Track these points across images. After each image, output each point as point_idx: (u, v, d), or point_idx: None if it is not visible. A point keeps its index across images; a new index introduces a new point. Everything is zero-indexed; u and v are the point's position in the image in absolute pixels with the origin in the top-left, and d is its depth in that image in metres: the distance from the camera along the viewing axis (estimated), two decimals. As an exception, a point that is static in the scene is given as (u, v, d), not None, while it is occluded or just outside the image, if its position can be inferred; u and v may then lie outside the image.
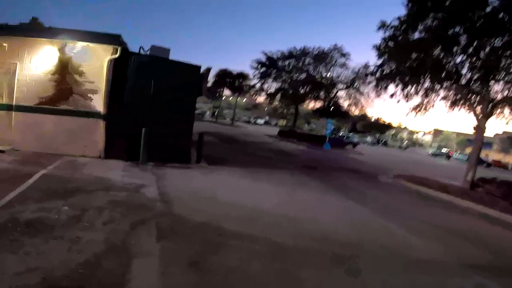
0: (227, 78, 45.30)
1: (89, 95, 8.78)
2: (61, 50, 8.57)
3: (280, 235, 5.17)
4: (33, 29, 8.57)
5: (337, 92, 32.06)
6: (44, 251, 3.53)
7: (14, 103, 8.58)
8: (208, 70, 9.90)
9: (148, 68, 9.16)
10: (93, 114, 8.85)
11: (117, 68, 8.86)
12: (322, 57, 29.69)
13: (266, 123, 70.10)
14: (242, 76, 41.42)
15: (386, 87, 14.43)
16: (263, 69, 34.06)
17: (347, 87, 30.80)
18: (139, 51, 9.65)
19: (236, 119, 72.86)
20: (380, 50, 13.44)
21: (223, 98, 58.76)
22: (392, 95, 14.09)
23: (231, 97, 65.94)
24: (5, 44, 8.39)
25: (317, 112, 34.68)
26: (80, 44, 8.63)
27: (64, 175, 6.98)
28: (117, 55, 8.71)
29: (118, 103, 8.99)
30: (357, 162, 17.96)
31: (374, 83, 15.54)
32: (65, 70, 8.65)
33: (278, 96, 35.14)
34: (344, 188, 9.74)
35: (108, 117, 8.94)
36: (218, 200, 6.66)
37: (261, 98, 43.43)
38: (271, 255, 4.41)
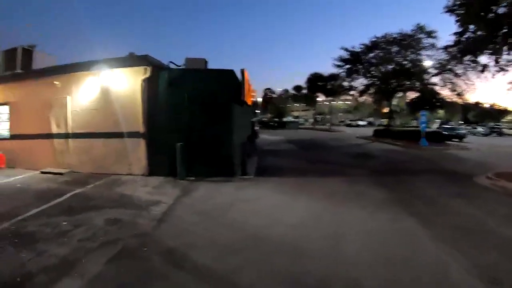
0: (318, 82, 42.68)
1: (129, 116, 8.76)
2: (99, 79, 8.86)
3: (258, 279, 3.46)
4: (76, 65, 9.03)
5: (430, 78, 25.87)
6: (6, 258, 3.90)
7: (70, 131, 9.15)
8: (242, 72, 8.77)
9: (180, 82, 8.72)
10: (134, 134, 8.79)
11: (150, 87, 8.68)
12: (407, 41, 24.99)
13: (369, 124, 64.25)
14: (334, 77, 36.54)
15: (475, 60, 10.75)
16: (347, 66, 29.75)
17: (441, 72, 24.89)
18: (168, 66, 9.32)
19: (338, 123, 69.85)
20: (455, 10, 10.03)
21: (321, 103, 56.05)
22: (483, 69, 10.41)
23: (332, 101, 63.62)
24: (57, 83, 9.12)
25: (411, 105, 29.57)
26: (113, 71, 8.79)
27: (92, 194, 7.10)
28: (147, 75, 8.56)
29: (155, 120, 8.75)
30: (455, 159, 13.78)
31: (459, 57, 11.82)
32: (105, 97, 8.91)
33: (369, 92, 30.46)
34: (413, 199, 6.82)
35: (147, 135, 8.78)
36: (223, 223, 5.26)
37: (351, 97, 39.38)
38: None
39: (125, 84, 8.78)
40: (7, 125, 10.05)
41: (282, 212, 5.85)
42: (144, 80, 8.61)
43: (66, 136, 9.21)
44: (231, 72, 8.76)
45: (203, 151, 8.70)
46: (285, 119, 54.35)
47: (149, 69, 8.57)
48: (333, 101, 51.74)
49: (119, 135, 8.84)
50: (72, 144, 9.21)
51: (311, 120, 57.26)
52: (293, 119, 59.49)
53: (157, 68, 8.70)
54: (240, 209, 6.04)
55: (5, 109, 9.92)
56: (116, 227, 4.98)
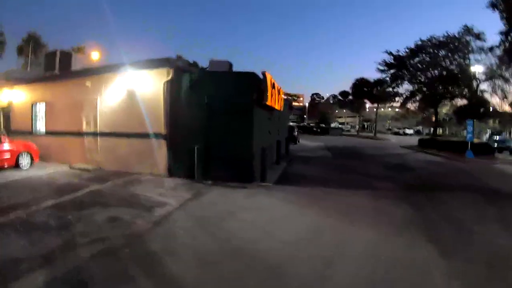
0: (364, 88, 41.06)
1: (151, 117, 8.76)
2: (125, 81, 8.97)
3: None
4: (104, 67, 9.28)
5: (478, 84, 23.57)
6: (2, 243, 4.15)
7: (98, 130, 9.38)
8: (264, 75, 8.33)
9: (200, 84, 8.54)
10: (156, 135, 8.80)
11: (172, 89, 8.63)
12: (454, 45, 22.75)
13: (417, 132, 60.35)
14: (380, 83, 34.83)
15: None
16: (392, 70, 28.25)
17: (491, 77, 22.23)
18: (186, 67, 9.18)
19: (385, 131, 66.70)
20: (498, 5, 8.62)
21: (368, 110, 53.72)
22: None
23: (379, 108, 61.00)
24: (88, 84, 9.40)
25: (458, 113, 26.98)
26: (138, 73, 8.85)
27: (107, 191, 7.25)
28: (169, 77, 8.50)
29: (176, 122, 8.67)
30: (501, 176, 12.02)
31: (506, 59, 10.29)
32: (130, 98, 9.04)
33: (414, 99, 28.69)
34: (440, 222, 5.77)
35: (169, 137, 8.74)
36: (213, 232, 4.89)
37: (396, 104, 37.18)
38: None
39: (148, 86, 8.81)
40: (43, 122, 10.64)
41: (281, 225, 5.30)
42: (166, 83, 8.57)
43: (95, 134, 9.49)
44: (252, 75, 8.37)
45: (222, 155, 8.41)
46: (329, 125, 52.96)
47: (171, 71, 8.51)
48: (380, 108, 49.30)
49: (142, 135, 8.89)
50: (100, 143, 9.46)
51: (358, 127, 55.07)
52: (336, 126, 57.86)
53: (179, 71, 8.60)
54: (239, 218, 5.64)
55: (42, 107, 10.52)
56: (112, 225, 4.98)
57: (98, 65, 9.70)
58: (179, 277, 3.45)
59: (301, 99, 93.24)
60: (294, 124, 36.42)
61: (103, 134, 9.39)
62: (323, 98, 72.74)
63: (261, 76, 8.62)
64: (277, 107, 10.31)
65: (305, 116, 69.99)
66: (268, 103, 8.77)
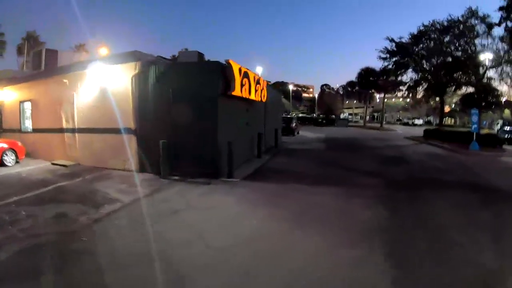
0: (370, 77, 38.94)
1: (122, 112, 8.57)
2: (98, 77, 8.80)
3: None
4: (78, 64, 9.14)
5: (485, 72, 21.06)
6: None
7: (76, 126, 9.37)
8: (228, 63, 7.74)
9: (166, 77, 8.17)
10: (127, 131, 8.61)
11: (140, 83, 8.36)
12: (458, 29, 20.59)
13: (426, 123, 57.01)
14: (386, 72, 32.10)
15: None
16: (394, 58, 26.19)
17: (498, 64, 19.85)
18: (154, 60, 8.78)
19: (394, 122, 63.68)
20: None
21: (379, 100, 51.45)
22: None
23: (390, 98, 57.95)
24: (65, 81, 9.36)
25: (463, 102, 24.59)
26: (109, 68, 8.64)
27: (72, 187, 7.26)
28: (137, 71, 8.20)
29: (144, 117, 8.42)
30: (505, 171, 10.38)
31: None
32: (102, 94, 8.89)
33: (419, 88, 26.56)
34: (416, 229, 4.76)
35: (138, 132, 8.51)
36: (146, 233, 4.54)
37: (400, 94, 34.76)
38: None
39: (119, 81, 8.61)
40: (30, 120, 10.82)
41: (222, 228, 4.80)
42: (133, 77, 8.30)
43: (73, 131, 9.52)
44: (215, 64, 7.88)
45: (188, 150, 8.08)
46: (335, 116, 51.24)
47: (138, 65, 8.22)
48: (390, 98, 46.77)
49: (114, 131, 8.75)
50: (78, 139, 9.49)
51: (365, 118, 52.80)
52: (343, 117, 55.90)
53: (146, 64, 8.28)
54: (181, 219, 5.23)
55: (29, 105, 10.71)
56: (56, 222, 4.96)
57: (74, 62, 9.57)
58: (82, 278, 3.30)
59: (311, 90, 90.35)
60: (294, 115, 35.12)
61: (80, 130, 9.39)
62: (333, 89, 70.01)
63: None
64: (254, 97, 9.73)
65: (315, 107, 68.17)
66: (237, 93, 8.22)
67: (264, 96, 11.08)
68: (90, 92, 9.11)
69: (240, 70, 8.33)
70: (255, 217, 5.25)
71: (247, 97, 9.13)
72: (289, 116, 26.20)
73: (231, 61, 7.84)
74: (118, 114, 8.58)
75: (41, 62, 10.67)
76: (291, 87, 63.29)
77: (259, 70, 40.60)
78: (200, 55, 8.95)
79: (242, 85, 8.53)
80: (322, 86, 72.90)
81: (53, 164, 9.53)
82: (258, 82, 10.23)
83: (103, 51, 19.69)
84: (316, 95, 74.23)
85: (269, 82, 65.92)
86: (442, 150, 15.58)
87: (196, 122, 7.94)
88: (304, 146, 16.31)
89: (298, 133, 24.16)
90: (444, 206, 6.08)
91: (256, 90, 10.02)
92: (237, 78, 8.16)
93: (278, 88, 60.79)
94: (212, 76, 7.92)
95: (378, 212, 5.58)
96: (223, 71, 7.97)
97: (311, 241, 4.24)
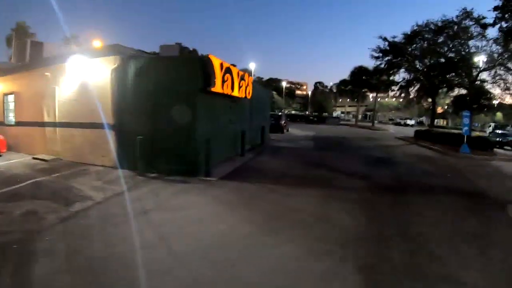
0: (363, 76, 38.27)
1: (101, 107, 8.37)
2: (78, 70, 8.59)
3: None
4: (59, 57, 8.93)
5: (478, 74, 20.68)
6: None
7: (57, 120, 9.19)
8: (208, 58, 7.48)
9: (146, 71, 7.96)
10: (105, 126, 8.42)
11: (119, 77, 8.16)
12: (452, 30, 20.21)
13: (419, 123, 56.68)
14: (379, 71, 31.50)
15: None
16: (387, 57, 25.55)
17: (492, 66, 19.45)
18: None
19: (386, 121, 63.28)
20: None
21: (372, 99, 51.05)
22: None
23: (383, 98, 57.19)
24: (47, 74, 9.17)
25: (455, 104, 24.15)
26: (90, 61, 8.43)
27: (47, 183, 7.12)
28: (115, 65, 7.99)
29: (123, 112, 8.24)
30: (494, 175, 9.93)
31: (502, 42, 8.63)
32: (82, 88, 8.73)
33: (411, 88, 26.02)
34: (394, 239, 4.45)
35: (117, 127, 8.32)
36: (107, 233, 4.46)
37: (391, 93, 34.41)
38: None
39: (99, 75, 8.41)
40: (13, 113, 10.62)
41: (187, 231, 4.60)
42: (113, 70, 8.08)
43: (54, 125, 9.35)
44: (195, 59, 7.68)
45: (166, 146, 7.91)
46: (327, 114, 50.98)
47: (118, 58, 8.00)
48: (382, 97, 46.31)
49: (94, 125, 8.60)
50: (59, 133, 9.34)
51: (357, 117, 52.50)
52: (334, 115, 55.76)
53: (126, 58, 8.06)
54: (148, 219, 5.04)
55: (12, 98, 10.51)
56: (24, 219, 4.87)
57: (56, 55, 9.36)
58: (33, 281, 3.19)
59: (305, 87, 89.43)
60: (287, 112, 34.93)
61: (61, 124, 9.23)
62: (326, 87, 69.42)
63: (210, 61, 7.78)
64: (238, 94, 9.49)
65: (308, 105, 67.83)
66: (218, 89, 7.99)
67: (249, 93, 10.82)
68: (71, 86, 8.92)
69: (221, 65, 8.09)
70: (224, 221, 5.04)
71: (230, 93, 8.89)
72: (279, 113, 25.88)
73: (211, 56, 7.59)
74: (98, 108, 8.38)
75: (26, 54, 10.47)
76: (284, 84, 62.84)
77: (252, 66, 40.44)
78: (182, 49, 8.72)
79: (223, 81, 8.29)
80: (315, 83, 72.36)
81: (34, 158, 9.38)
82: (242, 78, 9.98)
83: (97, 43, 19.39)
84: (310, 93, 73.84)
85: (262, 78, 65.88)
86: (432, 152, 15.29)
87: (174, 118, 7.72)
88: (291, 144, 16.09)
89: (287, 130, 23.94)
90: (429, 213, 5.80)
91: (240, 87, 9.77)
92: (218, 74, 7.92)
93: (271, 85, 60.54)
94: (191, 71, 7.70)
95: (357, 218, 5.31)
96: (203, 66, 7.71)
97: (278, 251, 4.00)
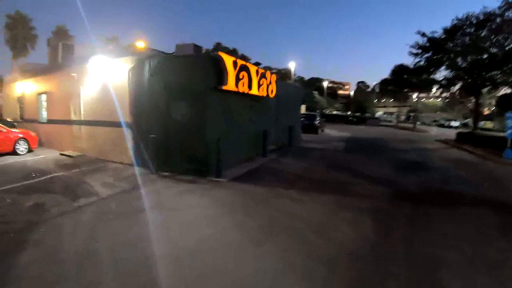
0: (404, 75, 35.25)
1: (120, 106, 8.52)
2: (100, 71, 8.81)
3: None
4: (84, 58, 9.19)
5: None
6: None
7: (82, 118, 9.49)
8: (220, 56, 7.15)
9: (161, 70, 7.89)
10: (124, 124, 8.58)
11: (135, 77, 8.22)
12: (495, 23, 17.86)
13: (464, 125, 52.19)
14: (420, 69, 28.49)
15: None
16: (426, 54, 23.49)
17: None
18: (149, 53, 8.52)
19: (430, 123, 59.12)
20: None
21: (416, 99, 48.00)
22: None
23: (427, 98, 53.32)
24: (74, 74, 9.51)
25: (500, 104, 21.37)
26: (110, 62, 8.62)
27: (65, 178, 7.44)
28: (132, 65, 8.01)
29: (139, 110, 8.28)
30: None
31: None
32: (103, 87, 8.96)
33: (453, 87, 23.87)
34: (399, 265, 3.55)
35: (134, 126, 8.38)
36: (98, 233, 4.41)
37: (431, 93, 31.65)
38: None
39: (117, 74, 8.58)
40: (46, 111, 11.20)
41: (174, 235, 4.29)
42: (130, 70, 8.15)
43: (80, 123, 9.69)
44: (207, 58, 7.44)
45: (180, 145, 7.78)
46: (369, 115, 48.62)
47: (134, 58, 8.02)
48: (427, 98, 42.93)
49: (114, 124, 8.77)
50: (84, 131, 9.67)
51: (404, 118, 49.31)
52: (376, 115, 53.08)
53: (142, 58, 8.06)
54: (142, 219, 4.87)
55: (44, 97, 11.08)
56: (31, 211, 5.11)
57: (80, 57, 9.70)
58: (12, 268, 3.31)
59: (347, 87, 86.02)
60: (318, 112, 33.52)
61: (86, 123, 9.57)
62: (368, 86, 66.13)
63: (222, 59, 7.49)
64: (257, 92, 9.12)
65: (350, 105, 65.28)
66: (231, 88, 7.68)
67: (272, 91, 10.40)
68: (94, 86, 9.22)
69: (235, 63, 7.78)
70: (214, 225, 4.68)
71: (247, 92, 8.56)
72: (312, 113, 24.90)
73: (221, 54, 7.32)
74: (117, 107, 8.54)
75: (58, 56, 11.06)
76: (325, 84, 61.07)
77: (291, 65, 39.83)
78: (197, 48, 8.52)
79: (238, 79, 7.97)
80: (358, 83, 69.59)
81: (61, 154, 9.84)
82: (263, 76, 9.59)
83: (140, 44, 19.99)
84: (352, 93, 71.27)
85: (303, 78, 64.66)
86: (472, 156, 13.60)
87: (187, 117, 7.58)
88: (321, 145, 15.26)
89: (322, 131, 22.93)
90: (450, 231, 4.77)
91: (260, 85, 9.40)
92: (231, 72, 7.62)
93: (313, 84, 59.15)
94: (203, 70, 7.47)
95: (361, 232, 4.51)
96: (215, 65, 7.48)
97: (256, 264, 3.54)
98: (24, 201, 5.50)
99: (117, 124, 8.59)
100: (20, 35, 32.82)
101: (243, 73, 8.25)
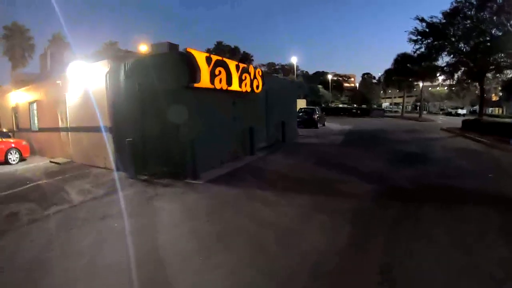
0: (407, 64, 33.99)
1: (100, 110, 8.40)
2: (81, 76, 8.73)
3: None
4: (67, 64, 9.15)
5: None
6: None
7: (68, 125, 9.47)
8: (188, 52, 6.80)
9: (134, 71, 7.73)
10: (104, 129, 8.48)
11: (112, 80, 8.10)
12: (495, 3, 16.42)
13: (471, 112, 49.79)
14: (422, 57, 26.55)
15: None
16: (427, 40, 22.14)
17: None
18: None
19: (436, 111, 56.88)
20: None
21: (423, 89, 46.15)
22: None
23: (437, 87, 51.18)
24: (58, 82, 9.52)
25: (506, 89, 19.84)
26: (89, 66, 8.52)
27: (47, 186, 7.43)
28: (108, 68, 7.84)
29: (117, 114, 8.18)
30: None
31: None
32: (84, 93, 8.90)
33: (457, 74, 22.49)
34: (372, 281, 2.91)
35: (113, 130, 8.28)
36: (57, 241, 4.27)
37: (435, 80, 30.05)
38: None
39: (96, 79, 8.47)
40: (37, 119, 11.29)
41: (120, 244, 4.05)
42: (106, 74, 7.99)
43: (67, 129, 9.70)
44: (177, 55, 7.12)
45: (156, 148, 7.63)
46: (375, 106, 47.33)
47: (110, 62, 7.85)
48: (433, 86, 41.03)
49: (95, 129, 8.70)
50: (71, 137, 9.68)
51: (410, 108, 47.48)
52: (383, 107, 51.74)
53: (118, 60, 7.89)
54: (100, 226, 4.70)
55: (35, 106, 11.16)
56: (4, 220, 5.18)
57: (65, 64, 9.65)
58: None
59: (352, 79, 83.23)
60: (333, 105, 32.65)
61: (72, 129, 9.60)
62: (374, 77, 63.98)
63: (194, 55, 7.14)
64: (238, 88, 8.74)
65: (356, 97, 63.64)
66: (205, 85, 7.33)
67: (257, 87, 9.97)
68: (77, 92, 9.19)
69: (208, 59, 7.42)
70: (174, 233, 4.37)
71: (225, 88, 8.19)
72: (311, 107, 24.25)
73: (189, 49, 6.97)
74: (97, 112, 8.43)
75: (47, 65, 11.12)
76: (330, 77, 59.70)
77: (293, 60, 39.13)
78: (173, 46, 8.22)
79: (214, 76, 7.62)
80: (363, 75, 67.61)
81: (51, 162, 9.89)
82: (245, 71, 9.19)
83: (143, 48, 19.58)
84: (358, 85, 69.57)
85: (307, 72, 63.46)
86: (478, 145, 12.61)
87: (162, 118, 7.35)
88: (318, 140, 14.66)
89: (323, 125, 22.30)
90: (442, 235, 3.95)
91: (242, 80, 9.01)
92: (204, 68, 7.27)
93: (318, 78, 57.93)
94: (174, 68, 7.21)
95: (333, 241, 3.89)
96: (186, 62, 7.15)
97: (196, 279, 3.14)
98: (2, 211, 5.57)
99: (98, 129, 8.47)
100: (18, 45, 33.58)
101: (220, 69, 7.87)
